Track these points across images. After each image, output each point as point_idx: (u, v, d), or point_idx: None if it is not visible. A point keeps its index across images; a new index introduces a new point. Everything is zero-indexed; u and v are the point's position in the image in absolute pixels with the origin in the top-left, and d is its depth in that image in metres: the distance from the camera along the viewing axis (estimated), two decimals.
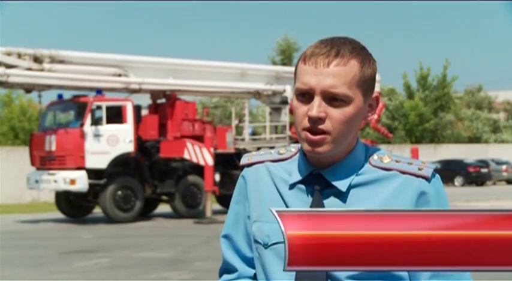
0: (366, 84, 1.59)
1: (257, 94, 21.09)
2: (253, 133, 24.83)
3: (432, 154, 38.16)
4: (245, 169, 1.75)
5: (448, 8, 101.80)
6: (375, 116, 21.58)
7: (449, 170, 35.20)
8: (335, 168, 1.61)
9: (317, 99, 1.55)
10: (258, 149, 20.51)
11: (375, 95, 1.64)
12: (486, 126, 47.06)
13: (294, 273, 1.55)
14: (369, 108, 1.64)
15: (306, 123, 1.57)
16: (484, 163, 36.30)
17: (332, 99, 1.55)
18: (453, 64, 49.52)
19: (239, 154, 19.79)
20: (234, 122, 22.31)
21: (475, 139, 45.97)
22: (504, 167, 37.01)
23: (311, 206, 1.60)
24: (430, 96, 44.52)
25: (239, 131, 23.92)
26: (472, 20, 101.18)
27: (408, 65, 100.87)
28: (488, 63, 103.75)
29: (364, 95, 1.60)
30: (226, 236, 1.80)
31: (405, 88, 46.21)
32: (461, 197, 24.95)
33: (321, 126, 1.55)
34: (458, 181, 35.43)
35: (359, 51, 1.61)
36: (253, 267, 1.75)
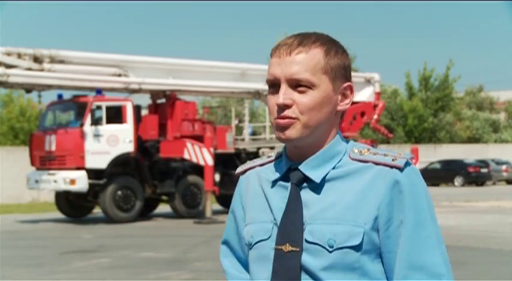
0: (334, 71, 1.60)
1: (257, 94, 21.07)
2: (253, 133, 24.87)
3: (432, 154, 38.13)
4: (240, 177, 1.79)
5: (449, 8, 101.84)
6: (375, 116, 21.51)
7: (449, 170, 35.19)
8: (310, 160, 1.61)
9: (283, 87, 1.59)
10: (258, 149, 20.62)
11: (347, 84, 1.64)
12: (486, 127, 46.95)
13: (271, 272, 1.57)
14: (342, 97, 1.64)
15: (276, 112, 1.60)
16: (484, 163, 36.27)
17: (297, 85, 1.58)
18: (454, 64, 49.26)
19: (239, 154, 19.80)
20: (234, 122, 22.33)
21: (474, 139, 45.88)
22: (504, 167, 36.99)
23: (288, 201, 1.60)
24: (431, 97, 44.30)
25: (239, 131, 23.94)
26: (473, 21, 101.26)
27: (409, 65, 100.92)
28: (489, 64, 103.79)
29: (333, 82, 1.60)
30: (224, 243, 1.85)
31: (407, 88, 46.01)
32: (461, 197, 24.97)
33: (289, 113, 1.57)
34: (458, 181, 35.40)
35: (324, 42, 1.62)
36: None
